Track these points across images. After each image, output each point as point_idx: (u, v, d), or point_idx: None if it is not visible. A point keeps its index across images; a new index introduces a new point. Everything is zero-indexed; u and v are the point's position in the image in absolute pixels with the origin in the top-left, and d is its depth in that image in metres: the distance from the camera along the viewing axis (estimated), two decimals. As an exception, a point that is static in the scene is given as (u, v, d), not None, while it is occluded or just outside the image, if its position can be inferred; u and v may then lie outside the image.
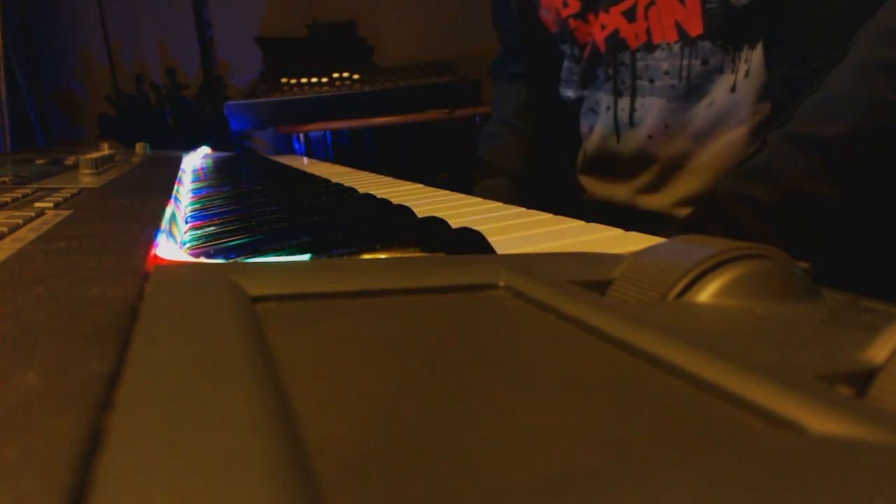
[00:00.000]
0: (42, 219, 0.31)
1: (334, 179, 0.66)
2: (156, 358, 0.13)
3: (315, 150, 1.70)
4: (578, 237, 0.34)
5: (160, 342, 0.14)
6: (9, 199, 0.38)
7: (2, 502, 0.08)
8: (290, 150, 1.72)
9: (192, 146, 1.17)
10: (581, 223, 0.37)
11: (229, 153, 1.38)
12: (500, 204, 0.47)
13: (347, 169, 0.89)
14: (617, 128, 0.74)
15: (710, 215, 0.56)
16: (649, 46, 0.68)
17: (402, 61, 1.81)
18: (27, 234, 0.26)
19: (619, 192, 0.75)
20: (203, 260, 0.29)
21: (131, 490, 0.09)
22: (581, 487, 0.09)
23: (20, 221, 0.29)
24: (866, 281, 0.38)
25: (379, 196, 0.49)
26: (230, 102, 1.56)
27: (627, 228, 0.34)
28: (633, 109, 0.71)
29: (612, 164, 0.75)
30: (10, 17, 1.76)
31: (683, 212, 0.68)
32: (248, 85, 1.81)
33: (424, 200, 0.50)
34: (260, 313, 0.16)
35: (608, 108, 0.74)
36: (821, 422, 0.11)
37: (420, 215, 0.40)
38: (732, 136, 0.64)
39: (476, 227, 0.33)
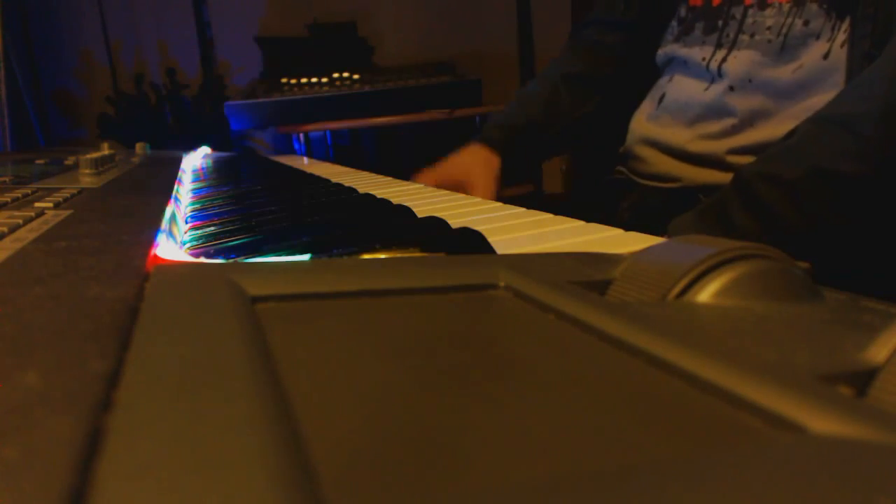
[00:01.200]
0: (42, 219, 0.31)
1: (334, 179, 0.66)
2: (156, 358, 0.13)
3: (315, 150, 1.69)
4: (578, 237, 0.34)
5: (160, 342, 0.14)
6: (9, 199, 0.38)
7: (2, 502, 0.08)
8: (290, 150, 1.72)
9: (192, 146, 1.17)
10: (581, 223, 0.37)
11: (229, 153, 1.38)
12: (499, 204, 0.47)
13: (347, 169, 0.89)
14: (702, 78, 0.74)
15: (734, 195, 0.56)
16: (762, 4, 0.70)
17: (402, 61, 1.81)
18: (27, 234, 0.26)
19: (678, 137, 0.76)
20: (203, 260, 0.29)
21: (131, 490, 0.09)
22: (581, 488, 0.09)
23: (20, 221, 0.29)
24: (866, 281, 0.38)
25: (379, 196, 0.49)
26: (230, 102, 1.56)
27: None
28: (723, 60, 0.72)
29: (684, 112, 0.76)
30: (10, 16, 1.76)
31: (734, 159, 0.69)
32: (248, 85, 1.81)
33: (424, 200, 0.50)
34: (260, 313, 0.16)
35: (703, 59, 0.74)
36: (821, 422, 0.11)
37: (420, 215, 0.40)
38: (811, 104, 0.65)
39: (476, 227, 0.33)
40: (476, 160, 0.87)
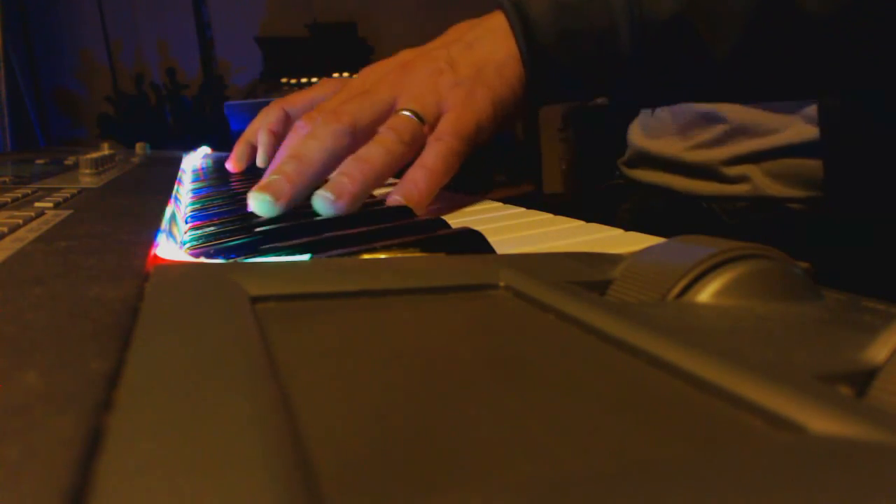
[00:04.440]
0: (42, 219, 0.31)
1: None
2: (156, 358, 0.13)
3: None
4: (578, 237, 0.34)
5: (160, 342, 0.14)
6: (9, 199, 0.37)
7: (2, 502, 0.08)
8: (290, 150, 1.72)
9: (192, 146, 1.17)
10: (581, 223, 0.37)
11: (229, 153, 1.38)
12: (499, 204, 0.47)
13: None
14: None
15: None
16: None
17: (402, 61, 1.81)
18: (27, 234, 0.26)
19: (672, 147, 0.75)
20: (203, 260, 0.29)
21: (131, 490, 0.09)
22: (580, 488, 0.09)
23: (20, 221, 0.29)
24: (866, 281, 0.38)
25: (379, 196, 0.49)
26: (230, 102, 1.56)
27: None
28: None
29: (676, 118, 0.75)
30: (10, 16, 1.76)
31: (730, 170, 0.69)
32: (248, 85, 1.81)
33: (424, 200, 0.50)
34: (260, 313, 0.16)
35: None
36: (821, 422, 0.11)
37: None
38: (806, 113, 0.64)
39: (476, 227, 0.33)
40: None
